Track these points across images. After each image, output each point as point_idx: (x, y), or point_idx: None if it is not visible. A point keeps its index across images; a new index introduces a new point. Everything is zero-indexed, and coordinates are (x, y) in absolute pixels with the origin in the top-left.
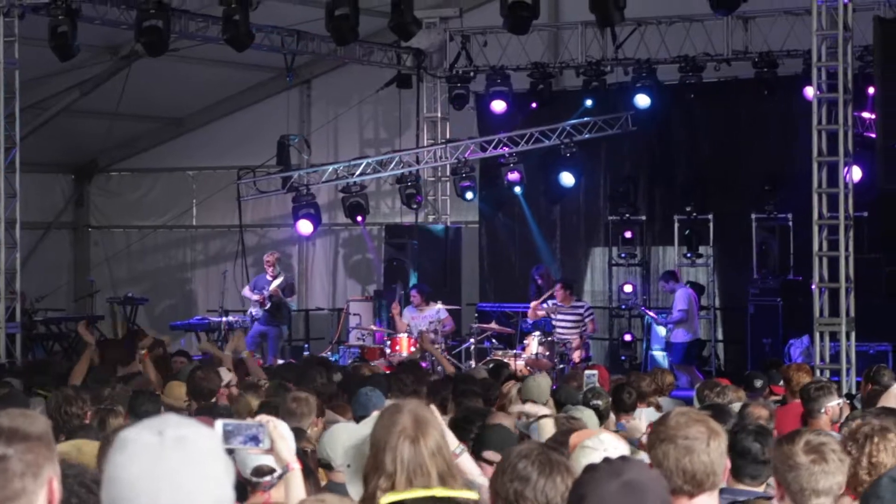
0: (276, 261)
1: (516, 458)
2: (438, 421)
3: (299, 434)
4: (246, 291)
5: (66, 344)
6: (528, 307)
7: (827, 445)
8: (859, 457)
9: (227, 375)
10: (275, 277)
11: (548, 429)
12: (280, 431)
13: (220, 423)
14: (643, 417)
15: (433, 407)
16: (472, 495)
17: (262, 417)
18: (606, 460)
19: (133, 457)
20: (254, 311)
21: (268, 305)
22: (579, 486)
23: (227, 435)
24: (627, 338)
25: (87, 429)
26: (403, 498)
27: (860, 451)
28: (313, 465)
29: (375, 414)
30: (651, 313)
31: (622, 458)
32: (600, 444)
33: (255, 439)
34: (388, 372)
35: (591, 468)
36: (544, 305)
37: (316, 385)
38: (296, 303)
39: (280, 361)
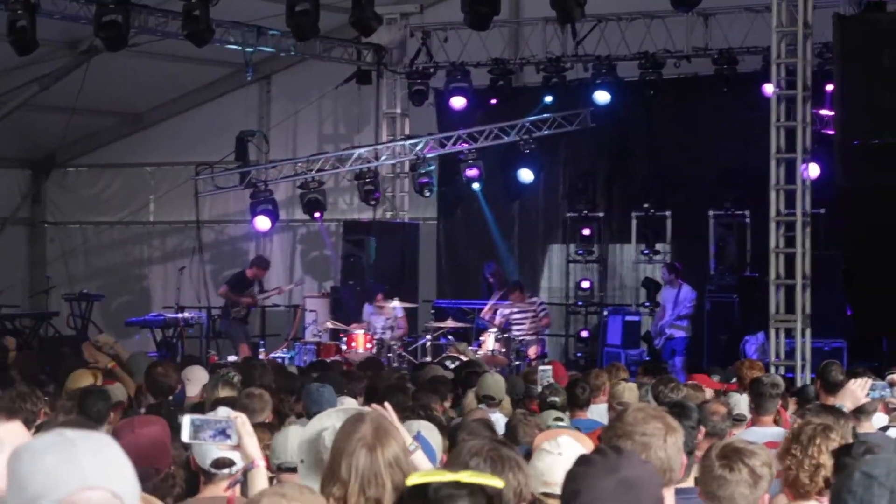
0: (265, 267)
1: (467, 455)
2: (400, 431)
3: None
4: (224, 289)
5: (21, 340)
6: (485, 304)
7: (742, 456)
8: (801, 459)
9: (202, 376)
10: (255, 279)
11: None
12: (248, 427)
13: (188, 418)
14: (595, 414)
15: (388, 406)
16: (498, 483)
17: (231, 413)
18: (601, 452)
19: (42, 453)
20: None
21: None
22: (573, 481)
23: (196, 429)
24: (584, 334)
25: (45, 425)
26: (428, 481)
27: (803, 453)
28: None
29: (329, 410)
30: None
31: (616, 450)
32: (556, 448)
33: (223, 434)
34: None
35: (585, 461)
36: (499, 314)
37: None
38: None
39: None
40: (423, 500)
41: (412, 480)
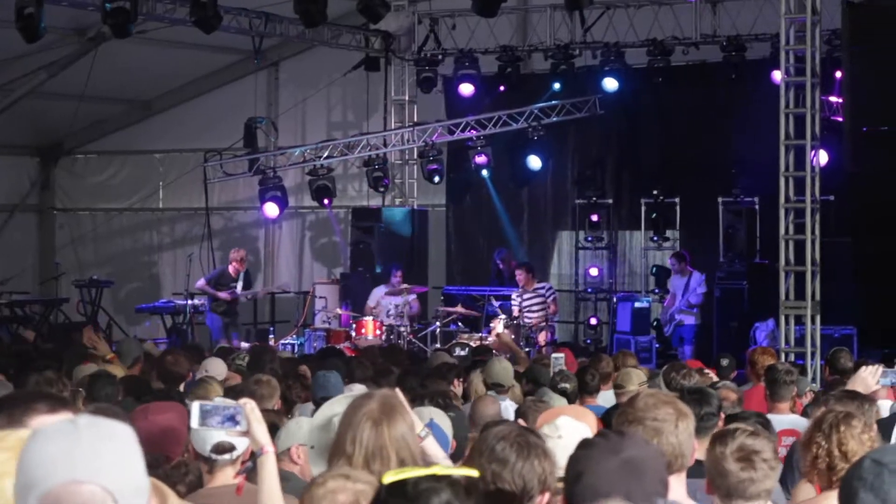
0: (242, 259)
1: (494, 440)
2: (407, 410)
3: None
4: (201, 283)
5: (31, 326)
6: (495, 290)
7: (759, 453)
8: (829, 448)
9: (220, 369)
10: (237, 275)
11: None
12: (257, 414)
13: (196, 404)
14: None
15: (398, 391)
16: (473, 472)
17: (241, 400)
18: (603, 435)
19: (48, 439)
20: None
21: (237, 304)
22: (576, 463)
23: (205, 415)
24: (593, 321)
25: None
26: (405, 477)
27: (828, 441)
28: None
29: (339, 396)
30: (677, 315)
31: (619, 433)
32: (555, 431)
33: (232, 420)
34: (352, 356)
35: (587, 444)
36: (514, 303)
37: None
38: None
39: (245, 345)
40: (403, 497)
41: (388, 479)
